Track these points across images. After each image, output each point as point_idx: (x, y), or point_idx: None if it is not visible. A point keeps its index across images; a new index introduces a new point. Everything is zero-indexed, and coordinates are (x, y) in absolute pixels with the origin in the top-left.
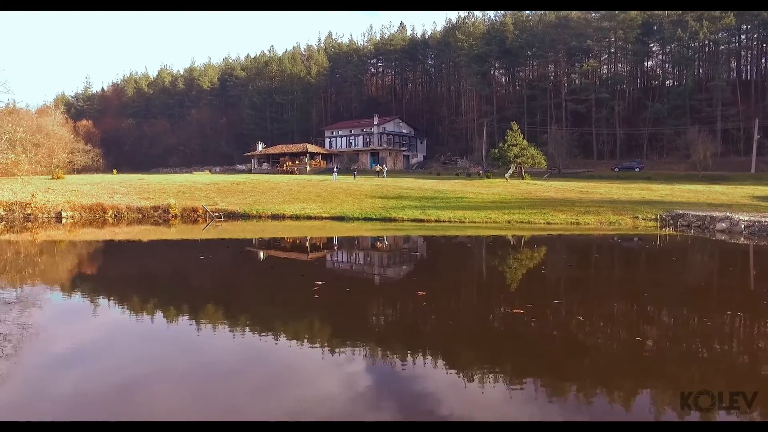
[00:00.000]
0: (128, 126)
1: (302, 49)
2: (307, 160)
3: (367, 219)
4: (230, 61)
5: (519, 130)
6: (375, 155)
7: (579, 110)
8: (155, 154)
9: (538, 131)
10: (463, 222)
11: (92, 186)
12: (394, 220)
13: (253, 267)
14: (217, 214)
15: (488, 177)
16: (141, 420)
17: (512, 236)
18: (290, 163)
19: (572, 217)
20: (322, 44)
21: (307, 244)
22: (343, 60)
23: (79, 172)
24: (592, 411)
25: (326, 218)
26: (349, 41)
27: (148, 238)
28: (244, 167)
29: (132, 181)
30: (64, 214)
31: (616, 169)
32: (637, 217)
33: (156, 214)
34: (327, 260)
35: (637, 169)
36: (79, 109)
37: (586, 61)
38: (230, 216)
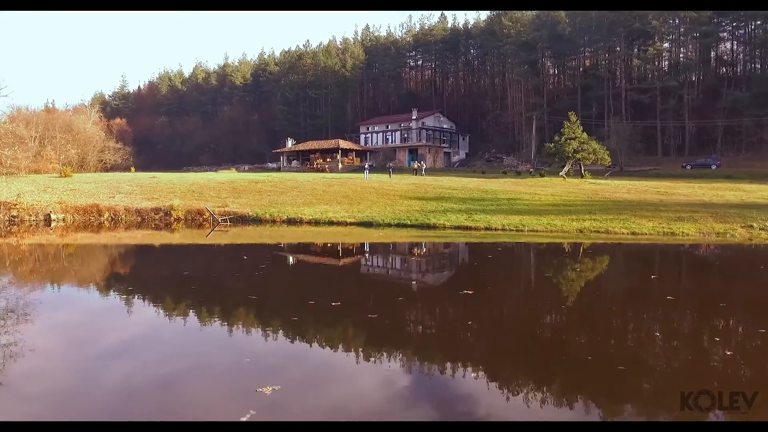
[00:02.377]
0: (161, 124)
1: (338, 43)
2: (339, 157)
3: (400, 225)
4: (264, 56)
5: (578, 122)
6: (413, 152)
7: (642, 101)
8: (187, 153)
9: (594, 125)
10: (521, 230)
11: (96, 185)
12: (434, 227)
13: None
14: (224, 217)
15: (542, 175)
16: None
17: (601, 251)
18: (321, 160)
19: (662, 225)
20: (359, 37)
21: (314, 258)
22: (380, 53)
23: (108, 170)
24: None
25: (351, 224)
26: (387, 34)
27: (129, 243)
28: (274, 165)
29: (141, 179)
30: (53, 216)
31: (688, 167)
32: (751, 226)
33: (157, 216)
34: (326, 305)
35: (713, 167)
36: (115, 107)
37: (650, 45)
38: (240, 219)
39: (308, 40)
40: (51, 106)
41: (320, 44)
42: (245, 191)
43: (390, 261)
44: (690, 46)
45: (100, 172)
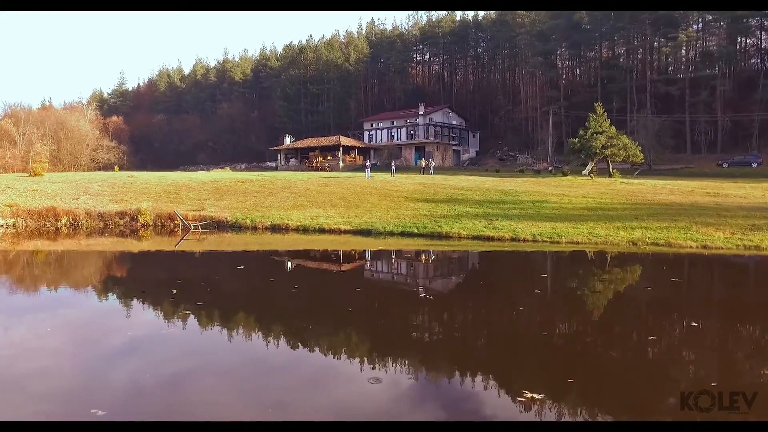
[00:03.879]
0: (159, 122)
1: (341, 37)
2: (340, 155)
3: (405, 234)
4: (266, 52)
5: (605, 114)
6: (420, 150)
7: (670, 93)
8: (184, 151)
9: (615, 120)
10: (557, 242)
11: (63, 185)
12: (447, 236)
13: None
14: (198, 223)
15: (565, 174)
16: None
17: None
18: (321, 158)
19: (738, 236)
20: (363, 31)
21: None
22: (385, 46)
23: (100, 169)
24: None
25: (346, 231)
26: (393, 27)
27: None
28: (274, 164)
29: (116, 179)
30: (0, 221)
31: (725, 165)
32: None
33: (122, 222)
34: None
35: (754, 165)
36: (112, 105)
37: (679, 32)
38: (217, 225)
39: (311, 35)
40: (48, 103)
41: (323, 37)
42: (229, 192)
43: (389, 305)
44: (722, 32)
45: (93, 171)
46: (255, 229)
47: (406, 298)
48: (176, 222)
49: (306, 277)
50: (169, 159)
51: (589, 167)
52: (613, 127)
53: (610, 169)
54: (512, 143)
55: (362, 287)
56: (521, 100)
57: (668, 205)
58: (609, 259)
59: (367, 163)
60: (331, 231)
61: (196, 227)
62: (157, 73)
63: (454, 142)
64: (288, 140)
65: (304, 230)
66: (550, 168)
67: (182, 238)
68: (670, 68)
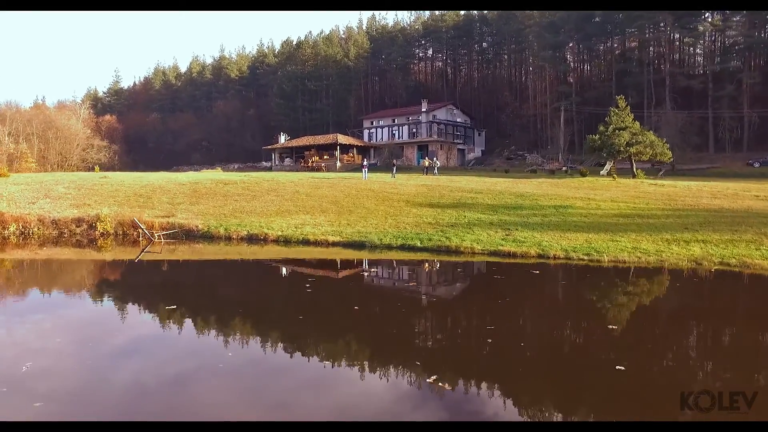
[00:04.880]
0: (153, 121)
1: (341, 32)
2: (337, 154)
3: (406, 247)
4: (263, 48)
5: (628, 108)
6: (423, 149)
7: (692, 87)
8: (179, 151)
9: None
10: (598, 260)
11: (25, 186)
12: (456, 251)
13: None
14: (165, 232)
15: (583, 174)
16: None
17: None
18: (317, 158)
19: None
20: (363, 26)
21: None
22: (386, 42)
23: (89, 170)
24: None
25: (335, 243)
26: (395, 22)
27: None
28: (269, 164)
29: (86, 180)
30: None
31: (756, 164)
32: None
33: (79, 230)
34: None
35: None
36: (107, 104)
37: (700, 21)
38: (186, 235)
39: (310, 31)
40: (41, 102)
41: (321, 32)
42: (207, 195)
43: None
44: (745, 22)
45: (81, 171)
46: (229, 239)
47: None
48: (145, 228)
49: (238, 354)
50: (163, 159)
51: (607, 167)
52: (636, 123)
53: (634, 169)
54: (520, 142)
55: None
56: (529, 96)
57: (717, 212)
58: (690, 289)
59: (365, 163)
60: (317, 243)
61: (160, 237)
62: (153, 71)
63: (458, 141)
64: (283, 139)
65: (286, 241)
66: (564, 168)
67: (142, 251)
68: (691, 61)
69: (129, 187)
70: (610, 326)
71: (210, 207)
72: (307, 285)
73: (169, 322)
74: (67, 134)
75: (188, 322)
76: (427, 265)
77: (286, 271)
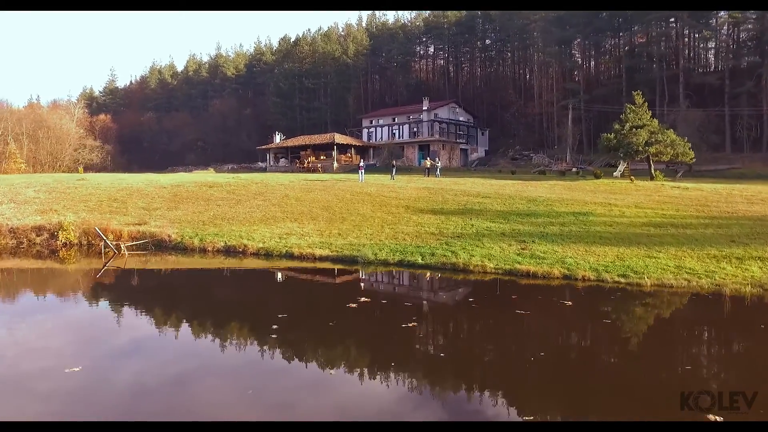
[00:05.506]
0: (149, 120)
1: (340, 29)
2: (334, 154)
3: (404, 263)
4: (261, 46)
5: (645, 104)
6: (424, 149)
7: (709, 83)
8: (174, 151)
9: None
10: (638, 283)
11: None
12: (465, 269)
13: None
14: (133, 243)
15: (597, 176)
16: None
17: None
18: (313, 158)
19: None
20: (363, 23)
21: None
22: (387, 39)
23: (82, 171)
24: None
25: (323, 258)
26: (395, 18)
27: None
28: (265, 165)
29: (61, 182)
30: None
31: None
32: None
33: (39, 239)
34: None
35: None
36: (101, 103)
37: (717, 16)
38: (158, 246)
39: (309, 29)
40: (36, 101)
41: (319, 29)
42: (188, 200)
43: None
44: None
45: (73, 172)
46: (204, 251)
47: None
48: (113, 238)
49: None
50: (159, 159)
51: (621, 168)
52: (655, 121)
53: (652, 171)
54: (525, 141)
55: None
56: (534, 94)
57: (761, 220)
58: None
59: (361, 164)
60: (302, 257)
61: (127, 248)
62: (149, 70)
63: (461, 141)
64: (278, 138)
65: (267, 255)
66: (573, 169)
67: (105, 266)
68: (706, 56)
69: (105, 190)
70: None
71: (189, 213)
72: (272, 333)
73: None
74: (59, 134)
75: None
76: (425, 303)
77: (254, 300)
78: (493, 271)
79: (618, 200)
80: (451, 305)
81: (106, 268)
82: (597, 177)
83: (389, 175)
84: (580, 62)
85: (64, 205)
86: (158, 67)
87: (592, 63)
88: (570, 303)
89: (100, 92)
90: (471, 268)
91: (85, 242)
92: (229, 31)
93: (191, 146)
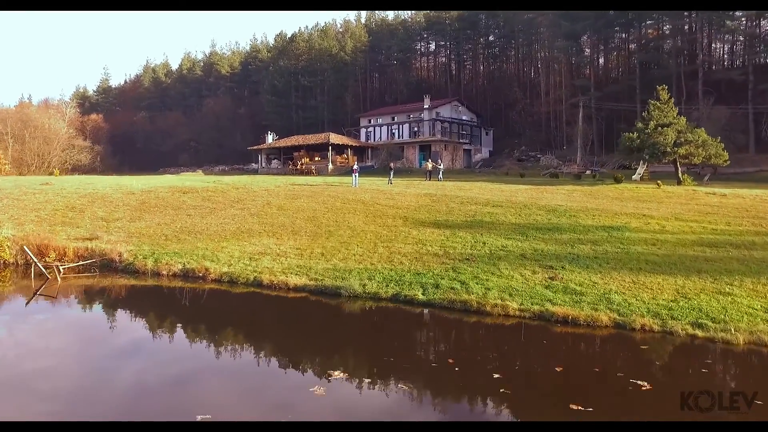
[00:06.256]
0: (141, 120)
1: (338, 26)
2: (330, 155)
3: (400, 298)
4: (257, 44)
5: (671, 100)
6: (425, 149)
7: (731, 79)
8: (167, 151)
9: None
10: (725, 339)
11: None
12: (479, 309)
13: None
14: (79, 263)
15: (618, 180)
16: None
17: None
18: (307, 159)
19: None
20: (362, 19)
21: None
22: (386, 35)
23: (70, 172)
24: None
25: (298, 288)
26: (395, 14)
27: None
28: (258, 166)
29: (19, 187)
30: None
31: None
32: None
33: None
34: None
35: None
36: (94, 103)
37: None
38: (106, 266)
39: (306, 25)
40: (27, 101)
41: (316, 25)
42: (156, 208)
43: None
44: None
45: (63, 174)
46: (158, 275)
47: None
48: (50, 260)
49: None
50: (152, 160)
51: (640, 170)
52: (682, 118)
53: (680, 174)
54: (532, 142)
55: None
56: (541, 92)
57: None
58: None
59: (355, 167)
60: (272, 286)
61: (68, 269)
62: (143, 68)
63: (464, 141)
64: (270, 138)
65: (231, 282)
66: (587, 171)
67: (37, 290)
68: (727, 51)
69: (65, 197)
70: None
71: (153, 225)
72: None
73: None
74: (47, 134)
75: None
76: (425, 389)
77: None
78: (517, 313)
79: (651, 210)
80: (466, 387)
81: (28, 298)
82: (618, 181)
83: (387, 179)
84: (590, 57)
85: (11, 215)
86: (152, 65)
87: (603, 58)
88: (647, 385)
89: (94, 91)
90: (488, 308)
91: (22, 262)
92: (225, 28)
93: (184, 147)
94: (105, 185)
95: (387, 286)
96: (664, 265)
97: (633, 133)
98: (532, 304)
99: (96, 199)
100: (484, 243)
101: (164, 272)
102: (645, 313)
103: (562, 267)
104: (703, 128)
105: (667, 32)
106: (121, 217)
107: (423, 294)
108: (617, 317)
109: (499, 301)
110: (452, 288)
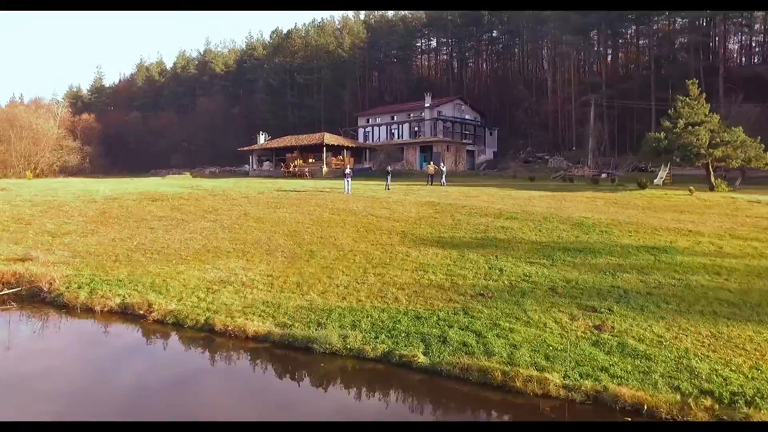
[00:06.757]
0: (134, 120)
1: (336, 23)
2: (324, 156)
3: (392, 359)
4: (252, 41)
5: (702, 96)
6: (426, 150)
7: (758, 74)
8: (159, 152)
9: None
10: None
11: None
12: (505, 384)
13: None
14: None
15: (642, 186)
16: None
17: None
18: (300, 161)
19: None
20: (361, 15)
21: None
22: (385, 31)
23: (59, 174)
24: None
25: (259, 337)
26: (395, 11)
27: None
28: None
29: None
30: None
31: None
32: None
33: None
34: None
35: None
36: (87, 102)
37: None
38: (31, 297)
39: (304, 23)
40: (18, 100)
41: (312, 21)
42: (117, 219)
43: None
44: None
45: (49, 176)
46: (90, 310)
47: None
48: None
49: None
50: (144, 160)
51: (662, 174)
52: (715, 116)
53: (712, 179)
54: (539, 142)
55: None
56: (548, 90)
57: None
58: None
59: (347, 171)
60: (226, 334)
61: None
62: (136, 67)
63: (467, 141)
64: (262, 139)
65: (176, 324)
66: (603, 175)
67: None
68: (749, 43)
69: (17, 205)
70: None
71: (106, 240)
72: None
73: None
74: (35, 135)
75: None
76: None
77: None
78: (561, 393)
79: (696, 225)
80: None
81: None
82: (642, 186)
83: (384, 183)
84: (601, 53)
85: None
86: (146, 64)
87: (614, 54)
88: None
89: (88, 91)
90: (518, 383)
91: None
92: (221, 26)
93: (177, 147)
94: (69, 191)
95: (376, 338)
96: (746, 308)
97: (659, 133)
98: (581, 377)
99: (50, 208)
100: (500, 270)
101: (98, 307)
102: (755, 395)
103: (609, 309)
104: (740, 127)
105: (682, 26)
106: (71, 231)
107: (425, 353)
108: (717, 407)
109: (534, 372)
110: (464, 344)
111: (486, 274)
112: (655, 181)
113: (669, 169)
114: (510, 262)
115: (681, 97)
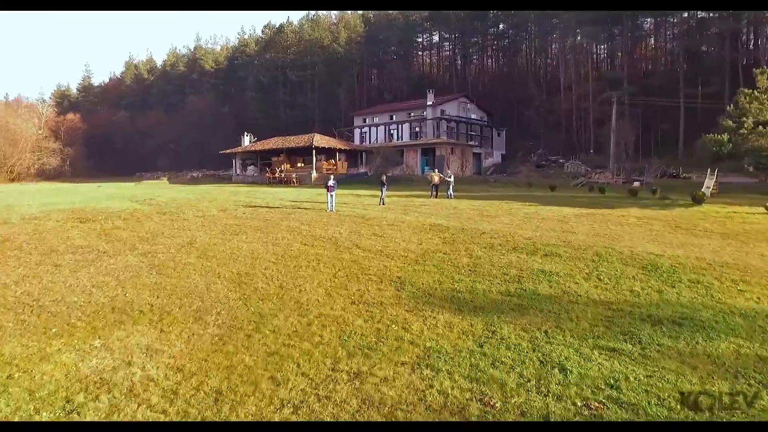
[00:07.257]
0: (122, 119)
1: (333, 16)
2: (314, 160)
3: None
4: (245, 37)
5: None
6: (428, 153)
7: None
8: (146, 154)
9: (709, 109)
10: None
11: None
12: None
13: None
14: None
15: (698, 200)
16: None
17: None
18: (287, 165)
19: None
20: (359, 11)
21: None
22: (384, 26)
23: (33, 179)
24: None
25: None
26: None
27: None
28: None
29: None
30: None
31: None
32: None
33: None
34: None
35: None
36: (74, 102)
37: None
38: None
39: (299, 17)
40: (5, 99)
41: (307, 15)
42: (20, 250)
43: None
44: None
45: (32, 180)
46: None
47: None
48: None
49: None
50: (130, 162)
51: (709, 183)
52: None
53: None
54: (551, 144)
55: None
56: (561, 87)
57: None
58: None
59: (331, 183)
60: None
61: None
62: (125, 65)
63: (473, 143)
64: (246, 140)
65: None
66: (636, 183)
67: None
68: None
69: None
70: None
71: None
72: None
73: None
74: (13, 136)
75: None
76: None
77: None
78: None
79: None
80: None
81: None
82: (697, 201)
83: (378, 196)
84: (623, 45)
85: None
86: (134, 62)
87: (633, 48)
88: None
89: (77, 90)
90: None
91: None
92: (213, 23)
93: (164, 149)
94: None
95: None
96: None
97: (721, 135)
98: None
99: None
100: (561, 367)
101: None
102: None
103: None
104: None
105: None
106: None
107: None
108: None
109: None
110: None
111: (538, 377)
112: (702, 189)
113: (716, 178)
114: (572, 349)
115: (744, 90)
